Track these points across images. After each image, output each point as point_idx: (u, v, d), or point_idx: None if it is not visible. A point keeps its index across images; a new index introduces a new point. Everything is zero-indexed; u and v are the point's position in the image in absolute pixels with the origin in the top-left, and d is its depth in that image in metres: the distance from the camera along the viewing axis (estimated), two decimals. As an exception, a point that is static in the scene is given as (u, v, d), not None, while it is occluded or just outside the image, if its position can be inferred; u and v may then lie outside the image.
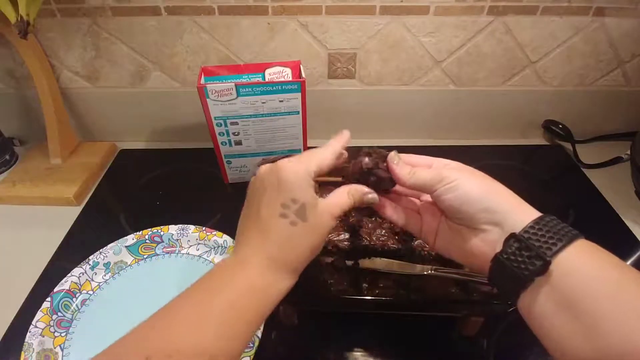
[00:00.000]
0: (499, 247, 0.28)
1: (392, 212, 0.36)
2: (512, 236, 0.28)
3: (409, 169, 0.33)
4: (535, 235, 0.27)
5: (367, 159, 0.34)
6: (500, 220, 0.29)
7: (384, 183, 0.34)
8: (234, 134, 0.59)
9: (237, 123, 0.58)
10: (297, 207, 0.30)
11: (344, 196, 0.33)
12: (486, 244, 0.30)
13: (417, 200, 0.38)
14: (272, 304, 0.31)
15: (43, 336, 0.44)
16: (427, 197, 0.36)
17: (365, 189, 0.34)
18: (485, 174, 0.32)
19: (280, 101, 0.56)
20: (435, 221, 0.35)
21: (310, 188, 0.31)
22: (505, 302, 0.40)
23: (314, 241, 0.31)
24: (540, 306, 0.27)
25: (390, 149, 0.35)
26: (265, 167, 0.33)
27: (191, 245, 0.54)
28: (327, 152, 0.33)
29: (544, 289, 0.26)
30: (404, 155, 0.35)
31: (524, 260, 0.27)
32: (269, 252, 0.31)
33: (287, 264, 0.31)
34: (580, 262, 0.26)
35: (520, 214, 0.29)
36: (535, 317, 0.27)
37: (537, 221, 0.28)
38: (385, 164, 0.34)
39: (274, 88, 0.54)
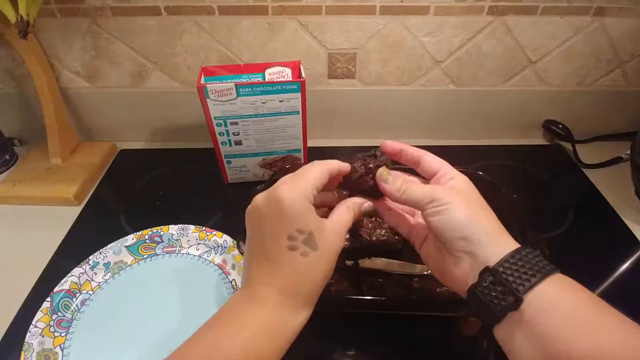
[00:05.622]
0: (471, 278, 0.28)
1: (384, 212, 0.37)
2: (487, 270, 0.27)
3: (400, 185, 0.32)
4: (509, 270, 0.27)
5: (358, 172, 0.34)
6: (474, 251, 0.29)
7: (375, 191, 0.35)
8: (234, 134, 0.59)
9: (237, 123, 0.58)
10: (305, 237, 0.29)
11: (345, 212, 0.33)
12: (459, 271, 0.30)
13: None
14: (289, 341, 0.29)
15: (43, 336, 0.44)
16: None
17: (360, 199, 0.34)
18: (479, 198, 0.31)
19: (280, 101, 0.56)
20: (426, 230, 0.35)
21: (312, 214, 0.30)
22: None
23: (327, 266, 0.30)
24: (515, 340, 0.26)
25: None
26: (260, 197, 0.31)
27: (191, 245, 0.54)
28: (321, 170, 0.32)
29: (518, 323, 0.26)
30: (414, 151, 0.35)
31: (497, 296, 0.27)
32: (282, 287, 0.29)
33: (302, 297, 0.30)
34: (555, 298, 0.26)
35: (497, 246, 0.28)
36: (510, 349, 0.27)
37: (512, 254, 0.27)
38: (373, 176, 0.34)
39: (274, 88, 0.54)
